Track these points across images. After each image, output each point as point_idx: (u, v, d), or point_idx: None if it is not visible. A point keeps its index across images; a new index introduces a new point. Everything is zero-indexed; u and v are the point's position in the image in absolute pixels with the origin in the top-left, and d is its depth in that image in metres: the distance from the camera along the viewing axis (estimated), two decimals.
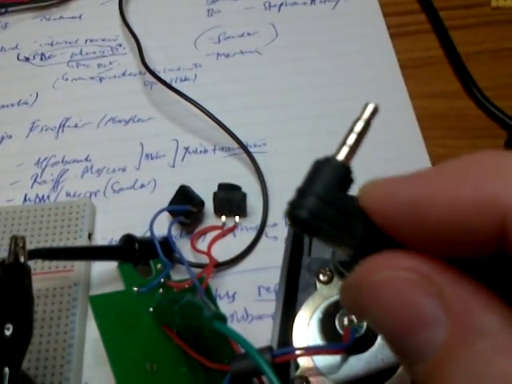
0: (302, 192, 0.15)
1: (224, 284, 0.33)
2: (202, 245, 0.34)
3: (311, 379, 0.27)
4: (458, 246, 0.13)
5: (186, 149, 0.39)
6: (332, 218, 0.15)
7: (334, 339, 0.28)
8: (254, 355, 0.23)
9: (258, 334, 0.29)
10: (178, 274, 0.33)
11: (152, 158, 0.38)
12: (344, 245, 0.15)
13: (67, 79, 0.43)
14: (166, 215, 0.34)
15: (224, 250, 0.34)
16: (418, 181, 0.14)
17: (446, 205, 0.13)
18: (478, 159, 0.13)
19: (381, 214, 0.15)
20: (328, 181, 0.16)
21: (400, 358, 0.14)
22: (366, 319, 0.14)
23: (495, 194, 0.12)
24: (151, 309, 0.29)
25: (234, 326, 0.31)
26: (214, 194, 0.34)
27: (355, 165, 0.35)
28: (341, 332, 0.28)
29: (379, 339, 0.28)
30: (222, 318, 0.25)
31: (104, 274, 0.33)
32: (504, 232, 0.12)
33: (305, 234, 0.15)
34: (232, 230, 0.35)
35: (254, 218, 0.35)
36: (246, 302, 0.32)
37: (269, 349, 0.26)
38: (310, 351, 0.27)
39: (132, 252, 0.31)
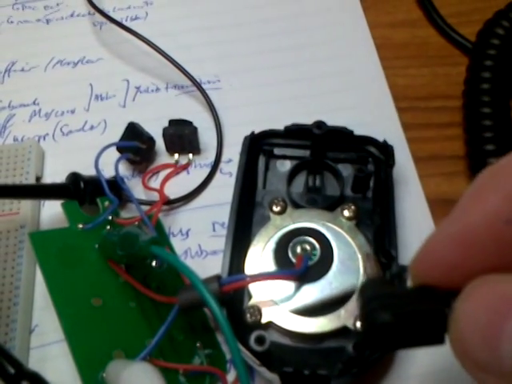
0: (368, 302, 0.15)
1: (177, 221, 0.32)
2: (155, 184, 0.33)
3: (263, 309, 0.26)
4: None
5: (138, 88, 0.37)
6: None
7: (288, 269, 0.28)
8: (194, 280, 0.22)
9: (213, 269, 0.28)
10: (129, 213, 0.31)
11: (102, 99, 0.37)
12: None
13: (12, 22, 0.41)
14: (117, 156, 0.33)
15: (177, 187, 0.33)
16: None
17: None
18: None
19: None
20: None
21: None
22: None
23: None
24: (97, 245, 0.28)
25: (187, 262, 0.30)
26: (164, 129, 0.32)
27: (311, 95, 0.32)
28: (294, 261, 0.28)
29: (333, 267, 0.28)
30: (160, 243, 0.24)
31: (54, 217, 0.32)
32: None
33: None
34: (185, 167, 0.34)
35: (209, 155, 0.34)
36: (200, 238, 0.31)
37: (216, 278, 0.25)
38: (260, 277, 0.26)
39: (77, 190, 0.30)
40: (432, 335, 0.14)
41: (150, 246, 0.24)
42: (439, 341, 0.14)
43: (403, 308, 0.14)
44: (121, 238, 0.25)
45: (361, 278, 0.27)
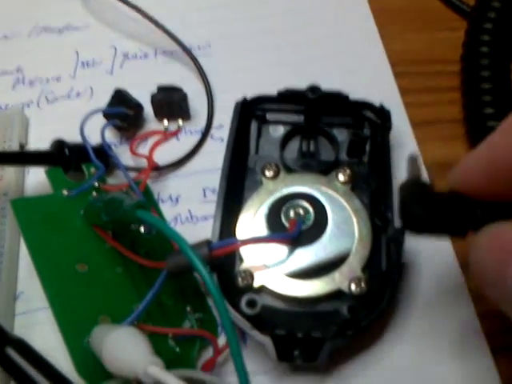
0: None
1: (167, 188, 0.31)
2: (144, 150, 0.32)
3: (255, 272, 0.25)
4: None
5: (125, 55, 0.36)
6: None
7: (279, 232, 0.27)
8: (181, 244, 0.21)
9: (204, 235, 0.26)
10: (117, 180, 0.30)
11: (88, 66, 0.35)
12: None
13: None
14: (104, 123, 0.32)
15: (167, 154, 0.32)
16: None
17: None
18: None
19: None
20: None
21: None
22: None
23: None
24: (82, 211, 0.27)
25: (177, 228, 0.29)
26: (152, 96, 0.31)
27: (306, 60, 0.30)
28: (287, 226, 0.27)
29: (328, 231, 0.27)
30: (146, 207, 0.23)
31: (39, 185, 0.31)
32: None
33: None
34: (175, 133, 0.33)
35: (199, 121, 0.33)
36: (191, 205, 0.30)
37: (206, 242, 0.24)
38: (251, 241, 0.25)
39: (62, 157, 0.28)
40: (457, 228, 0.18)
41: (135, 210, 0.23)
42: (462, 234, 0.18)
43: (434, 203, 0.18)
44: (105, 203, 0.24)
45: (356, 241, 0.26)
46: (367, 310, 0.24)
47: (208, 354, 0.25)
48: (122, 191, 0.27)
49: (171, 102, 0.31)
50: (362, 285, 0.25)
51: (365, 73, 0.34)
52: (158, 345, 0.24)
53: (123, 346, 0.20)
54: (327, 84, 0.29)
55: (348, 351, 0.25)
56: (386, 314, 0.25)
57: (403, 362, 0.25)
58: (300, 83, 0.30)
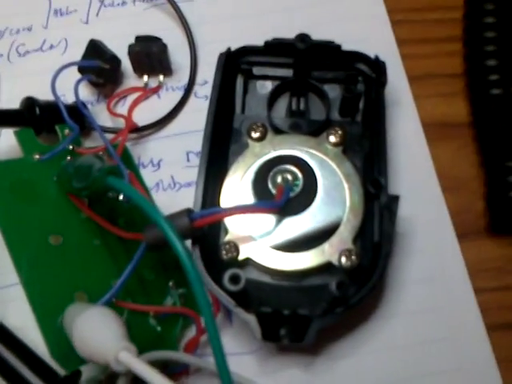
0: None
1: (148, 151, 0.29)
2: (123, 109, 0.30)
3: (241, 245, 0.24)
4: None
5: (102, 1, 0.33)
6: None
7: (265, 201, 0.25)
8: (154, 216, 0.19)
9: (187, 202, 0.25)
10: (94, 143, 0.28)
11: (62, 15, 0.33)
12: None
13: None
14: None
15: (147, 113, 0.29)
16: None
17: None
18: None
19: None
20: None
21: None
22: None
23: None
24: (55, 178, 0.25)
25: (159, 195, 0.28)
26: (129, 46, 0.29)
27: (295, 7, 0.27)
28: (274, 192, 0.25)
29: (317, 198, 0.25)
30: (118, 173, 0.21)
31: (12, 149, 0.29)
32: None
33: None
34: (156, 90, 0.30)
35: (182, 77, 0.31)
36: (173, 169, 0.28)
37: (187, 212, 0.23)
38: (235, 211, 0.23)
39: (33, 117, 0.26)
40: None
41: (105, 176, 0.21)
42: None
43: None
44: (76, 168, 0.22)
45: (347, 210, 0.25)
46: (357, 284, 0.23)
47: (191, 332, 0.24)
48: (95, 155, 0.25)
49: (150, 54, 0.29)
50: (353, 257, 0.23)
51: (359, 21, 0.32)
52: (138, 324, 0.23)
53: (94, 329, 0.19)
54: (318, 34, 0.27)
55: (337, 329, 0.24)
56: (378, 288, 0.24)
57: (395, 341, 0.24)
58: (289, 34, 0.27)
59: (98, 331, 0.19)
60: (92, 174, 0.21)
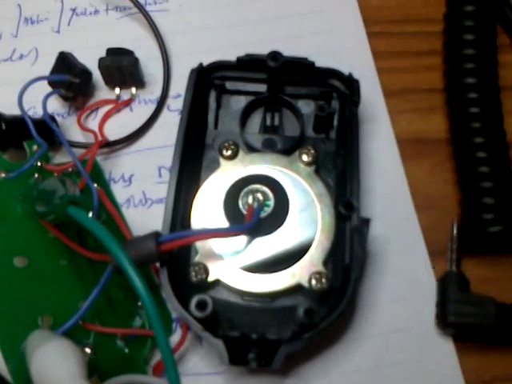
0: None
1: (119, 166, 0.28)
2: (94, 122, 0.29)
3: (210, 266, 0.24)
4: None
5: (73, 10, 0.32)
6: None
7: (238, 221, 0.25)
8: (110, 247, 0.19)
9: (158, 219, 0.25)
10: (65, 158, 0.28)
11: (32, 23, 0.32)
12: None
13: None
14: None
15: (119, 127, 0.29)
16: None
17: None
18: None
19: None
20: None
21: None
22: None
23: None
24: (22, 197, 0.24)
25: (130, 212, 0.27)
26: (100, 60, 0.28)
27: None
28: (245, 213, 0.25)
29: (289, 218, 0.25)
30: (81, 203, 0.21)
31: None
32: None
33: None
34: (128, 103, 0.30)
35: (154, 89, 0.30)
36: (145, 185, 0.28)
37: (154, 235, 0.22)
38: (203, 235, 0.23)
39: None
40: None
41: (66, 206, 0.21)
42: None
43: None
44: (39, 192, 0.22)
45: (318, 231, 0.24)
46: (328, 307, 0.23)
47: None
48: (60, 178, 0.24)
49: (121, 68, 0.28)
50: (323, 280, 0.23)
51: (335, 33, 0.31)
52: (106, 346, 0.22)
53: (51, 365, 0.18)
54: (294, 47, 0.27)
55: (306, 352, 0.24)
56: (348, 312, 0.24)
57: (367, 362, 0.24)
58: (265, 46, 0.27)
59: (54, 368, 0.18)
60: (54, 201, 0.21)
